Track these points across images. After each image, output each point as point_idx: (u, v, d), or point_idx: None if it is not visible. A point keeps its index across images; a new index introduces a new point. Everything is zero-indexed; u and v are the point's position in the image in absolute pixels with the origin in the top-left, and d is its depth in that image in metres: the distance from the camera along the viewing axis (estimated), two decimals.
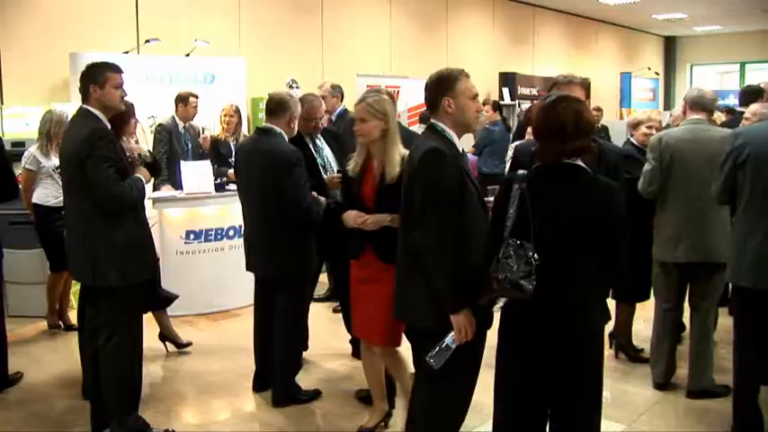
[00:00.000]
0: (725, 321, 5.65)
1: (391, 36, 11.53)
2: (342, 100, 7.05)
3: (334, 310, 6.48)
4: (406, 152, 3.54)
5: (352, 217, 3.91)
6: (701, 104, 4.66)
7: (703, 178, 4.40)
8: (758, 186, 3.84)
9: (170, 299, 5.54)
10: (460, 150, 3.23)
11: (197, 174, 6.53)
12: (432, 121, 3.26)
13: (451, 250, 3.00)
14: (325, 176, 4.89)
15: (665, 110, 16.17)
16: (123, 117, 5.05)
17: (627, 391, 4.86)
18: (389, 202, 3.67)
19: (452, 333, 3.03)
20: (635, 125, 5.39)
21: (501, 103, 12.21)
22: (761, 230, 3.82)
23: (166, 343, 5.65)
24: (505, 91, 13.72)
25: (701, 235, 4.52)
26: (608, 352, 5.40)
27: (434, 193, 3.03)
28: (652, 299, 5.03)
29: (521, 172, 2.90)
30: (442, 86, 3.22)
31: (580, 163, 2.88)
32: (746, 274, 3.87)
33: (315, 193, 4.51)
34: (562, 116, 2.84)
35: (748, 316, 3.94)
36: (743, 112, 5.67)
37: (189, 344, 5.68)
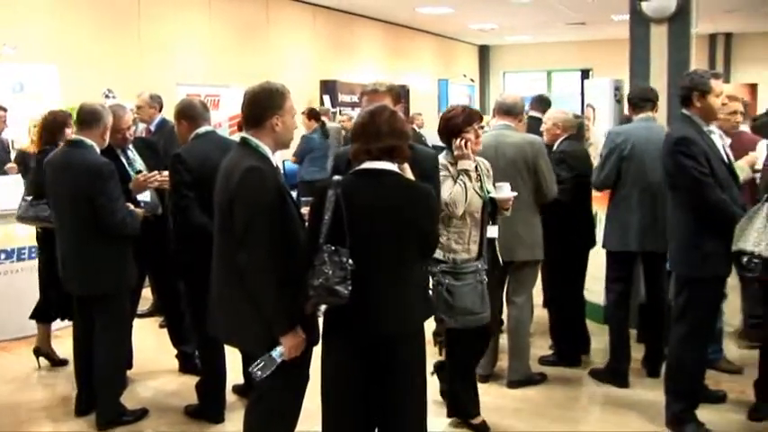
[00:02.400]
0: (540, 314, 5.99)
1: (211, 44, 11.34)
2: (160, 110, 6.86)
3: (161, 326, 6.30)
4: None
5: None
6: (504, 110, 4.95)
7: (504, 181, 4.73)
8: (638, 175, 4.85)
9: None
10: (275, 165, 3.21)
11: (5, 189, 6.15)
12: (245, 136, 3.20)
13: (277, 269, 2.98)
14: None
15: None
16: None
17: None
18: None
19: (280, 348, 3.03)
20: None
21: (321, 109, 12.33)
22: (640, 208, 4.86)
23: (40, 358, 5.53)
24: (326, 98, 13.84)
25: (506, 236, 4.79)
26: (434, 350, 5.58)
27: (258, 212, 2.98)
28: None
29: (336, 177, 2.96)
30: (271, 103, 3.17)
31: (393, 167, 2.99)
32: (633, 241, 4.91)
33: (131, 206, 4.38)
34: (377, 121, 2.99)
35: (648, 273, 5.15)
36: (538, 118, 6.19)
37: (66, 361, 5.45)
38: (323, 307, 3.01)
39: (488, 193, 4.14)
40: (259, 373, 3.02)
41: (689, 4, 6.35)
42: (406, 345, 3.00)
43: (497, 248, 4.35)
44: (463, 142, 4.02)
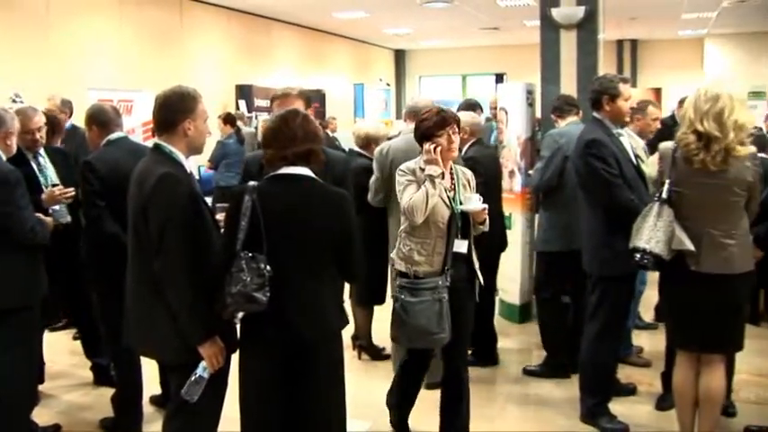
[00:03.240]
0: None
1: (123, 48, 11.09)
2: (71, 116, 6.69)
3: (74, 338, 6.13)
4: None
5: None
6: (415, 113, 4.96)
7: None
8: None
9: None
10: (189, 171, 3.17)
11: None
12: (158, 142, 3.16)
13: (192, 277, 2.95)
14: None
15: (396, 119, 17.09)
16: None
17: (371, 389, 5.06)
18: None
19: (203, 363, 3.00)
20: (374, 141, 5.57)
21: (237, 114, 12.24)
22: (574, 209, 4.72)
23: None
24: (242, 103, 13.72)
25: None
26: (352, 354, 5.61)
27: (172, 219, 2.94)
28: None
29: (252, 183, 2.94)
30: (183, 107, 3.13)
31: (309, 172, 2.99)
32: (577, 241, 4.65)
33: (41, 215, 4.24)
34: (291, 126, 2.97)
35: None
36: None
37: None
38: (240, 314, 2.98)
39: (461, 204, 3.80)
40: (189, 395, 2.99)
41: (596, 11, 6.56)
42: (324, 350, 3.02)
43: (475, 265, 3.94)
44: (432, 147, 3.72)
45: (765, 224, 3.86)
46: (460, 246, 3.81)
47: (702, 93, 3.66)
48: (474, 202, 3.79)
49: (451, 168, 3.88)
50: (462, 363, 4.08)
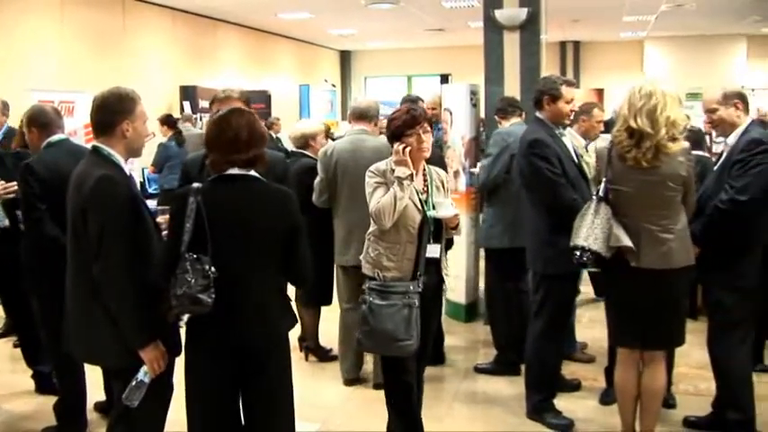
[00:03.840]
0: None
1: (64, 49, 10.86)
2: (8, 117, 6.52)
3: (15, 345, 5.99)
4: None
5: None
6: (357, 114, 5.00)
7: (362, 186, 4.74)
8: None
9: None
10: (128, 174, 3.13)
11: None
12: (96, 144, 3.11)
13: (133, 280, 2.91)
14: None
15: (342, 120, 17.10)
16: None
17: (319, 390, 5.06)
18: None
19: (144, 367, 2.97)
20: (311, 138, 5.57)
21: (185, 115, 12.11)
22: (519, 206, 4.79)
23: None
24: (186, 104, 13.55)
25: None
26: (299, 356, 5.59)
27: (111, 222, 2.91)
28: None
29: (195, 185, 2.91)
30: (121, 108, 3.09)
31: (253, 173, 2.96)
32: (523, 238, 4.69)
33: None
34: (235, 126, 2.92)
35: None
36: None
37: None
38: (185, 316, 2.95)
39: (433, 208, 3.64)
40: (130, 399, 2.95)
41: (538, 13, 6.66)
42: (271, 351, 3.00)
43: (444, 270, 3.78)
44: (402, 147, 3.57)
45: (701, 220, 3.94)
46: (433, 251, 3.66)
47: (637, 90, 3.71)
48: (447, 208, 3.64)
49: (425, 169, 3.75)
50: (423, 367, 3.99)
